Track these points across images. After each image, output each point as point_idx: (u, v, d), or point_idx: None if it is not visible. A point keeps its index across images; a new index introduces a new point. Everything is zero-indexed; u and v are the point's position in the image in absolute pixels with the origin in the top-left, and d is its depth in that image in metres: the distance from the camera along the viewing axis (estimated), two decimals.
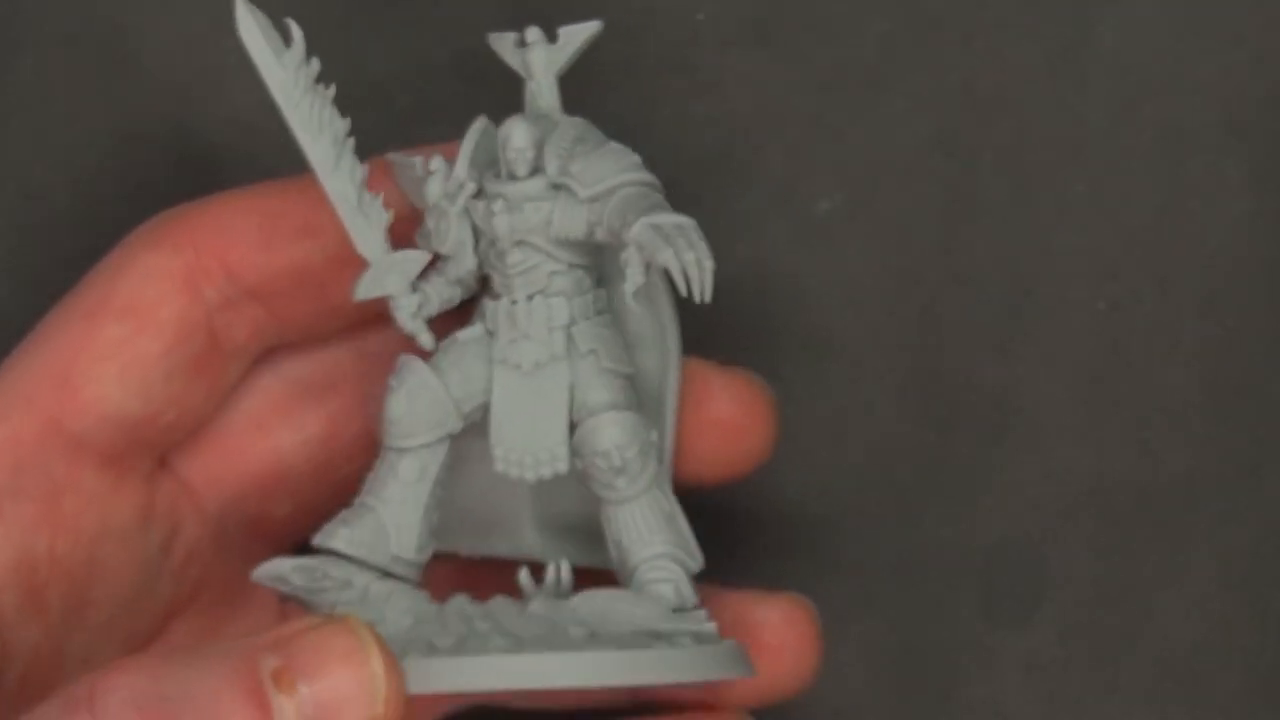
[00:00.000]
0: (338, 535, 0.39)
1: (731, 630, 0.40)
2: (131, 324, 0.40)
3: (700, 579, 0.39)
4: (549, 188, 0.38)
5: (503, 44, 0.40)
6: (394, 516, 0.39)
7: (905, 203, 0.47)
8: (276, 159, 0.46)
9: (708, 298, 0.36)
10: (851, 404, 0.49)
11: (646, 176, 0.38)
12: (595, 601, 0.38)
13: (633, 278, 0.37)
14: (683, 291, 0.36)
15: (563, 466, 0.39)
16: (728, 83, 0.47)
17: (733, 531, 0.48)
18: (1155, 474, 0.49)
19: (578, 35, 0.40)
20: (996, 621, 0.50)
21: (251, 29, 0.38)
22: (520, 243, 0.38)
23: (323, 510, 0.43)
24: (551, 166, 0.38)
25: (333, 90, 0.39)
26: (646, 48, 0.46)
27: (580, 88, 0.46)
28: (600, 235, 0.38)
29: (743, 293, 0.48)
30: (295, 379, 0.43)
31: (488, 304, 0.39)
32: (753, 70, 0.47)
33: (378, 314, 0.40)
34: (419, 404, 0.39)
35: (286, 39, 0.38)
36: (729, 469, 0.43)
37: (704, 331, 0.41)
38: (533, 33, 0.40)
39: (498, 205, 0.38)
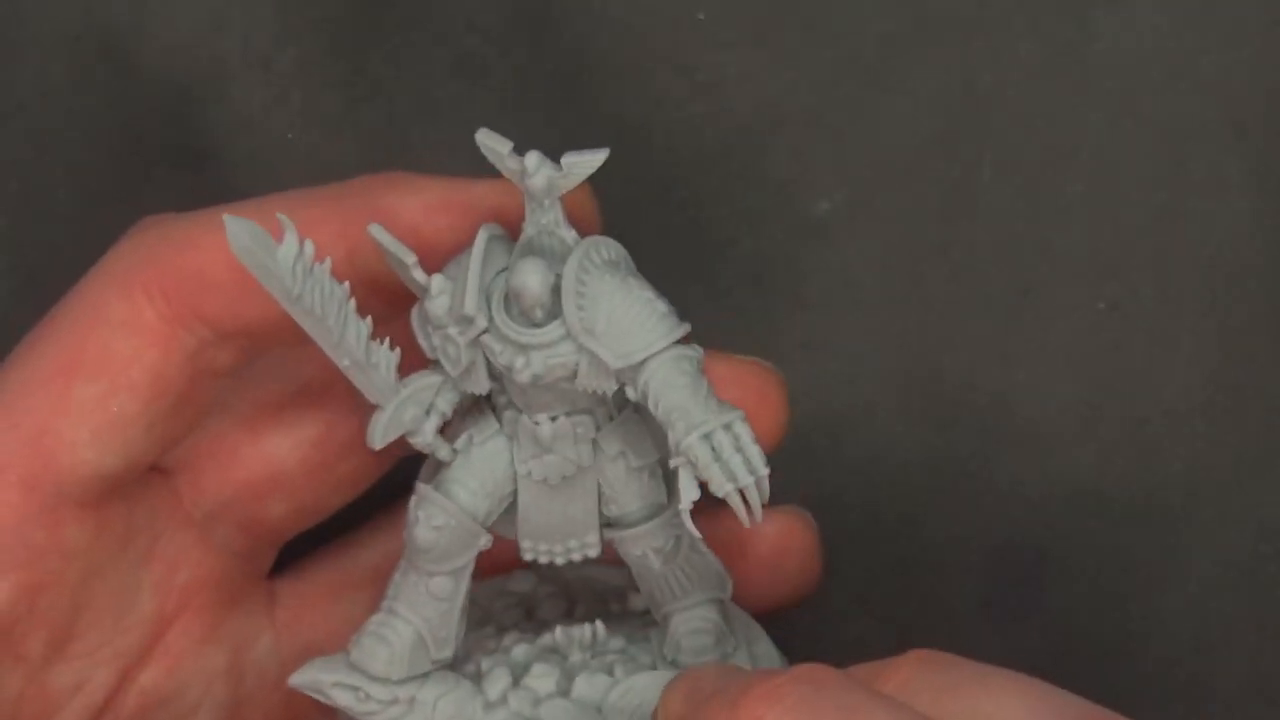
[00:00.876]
0: (377, 657, 0.38)
1: (730, 547, 0.40)
2: (105, 383, 0.38)
3: None
4: (570, 337, 0.36)
5: (496, 152, 0.36)
6: (432, 630, 0.38)
7: (905, 203, 0.47)
8: (277, 157, 0.46)
9: (759, 519, 0.35)
10: (851, 404, 0.49)
11: (674, 331, 0.35)
12: (638, 688, 0.38)
13: (687, 493, 0.35)
14: (741, 517, 0.34)
15: (594, 552, 0.38)
16: (728, 82, 0.47)
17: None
18: (1155, 474, 0.49)
19: (584, 167, 0.36)
20: (996, 622, 0.50)
21: (241, 238, 0.34)
22: (541, 386, 0.36)
23: (318, 508, 0.43)
24: (572, 320, 0.35)
25: (328, 263, 0.35)
26: (647, 47, 0.46)
27: (581, 88, 0.46)
28: (633, 396, 0.36)
29: (743, 292, 0.48)
30: (288, 379, 0.42)
31: (504, 411, 0.37)
32: (753, 70, 0.46)
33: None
34: (445, 535, 0.37)
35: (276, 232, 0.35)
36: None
37: (704, 332, 0.41)
38: (533, 159, 0.36)
39: (519, 363, 0.35)
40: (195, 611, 0.42)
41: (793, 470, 0.48)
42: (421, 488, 0.37)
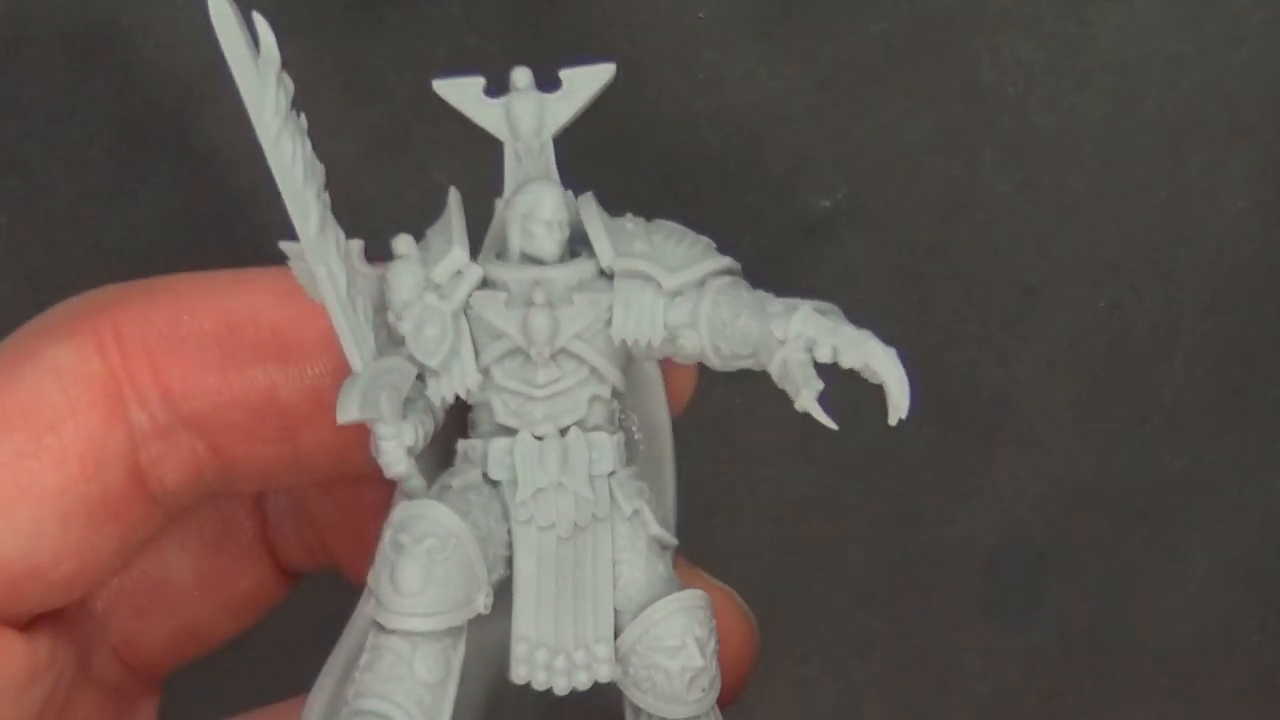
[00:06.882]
0: None
1: None
2: (22, 440, 0.28)
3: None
4: (599, 275, 0.28)
5: (462, 93, 0.29)
6: None
7: (906, 201, 0.47)
8: None
9: (905, 387, 0.28)
10: (851, 404, 0.49)
11: (730, 261, 0.29)
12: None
13: (811, 382, 0.28)
14: (897, 411, 0.28)
15: (606, 672, 0.28)
16: (728, 81, 0.47)
17: (733, 531, 0.48)
18: (1155, 474, 0.49)
19: (588, 82, 0.29)
20: (996, 621, 0.50)
21: (227, 17, 0.26)
22: (561, 352, 0.28)
23: (206, 634, 0.34)
24: (603, 245, 0.28)
25: (304, 121, 0.27)
26: (647, 46, 0.46)
27: None
28: (690, 342, 0.28)
29: None
30: None
31: (477, 444, 0.29)
32: (753, 68, 0.47)
33: (361, 470, 0.29)
34: (442, 570, 0.27)
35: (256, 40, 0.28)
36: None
37: None
38: (522, 76, 0.29)
39: (538, 296, 0.28)
40: None
41: (793, 470, 0.48)
42: (407, 504, 0.28)
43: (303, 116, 0.27)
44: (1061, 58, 0.47)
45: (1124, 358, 0.49)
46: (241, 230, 0.47)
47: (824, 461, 0.49)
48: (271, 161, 0.26)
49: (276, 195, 0.47)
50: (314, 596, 0.35)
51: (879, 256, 0.48)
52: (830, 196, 0.47)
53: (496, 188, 0.29)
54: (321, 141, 0.48)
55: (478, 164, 0.47)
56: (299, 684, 0.30)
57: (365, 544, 0.30)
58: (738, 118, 0.47)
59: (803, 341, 0.28)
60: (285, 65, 0.47)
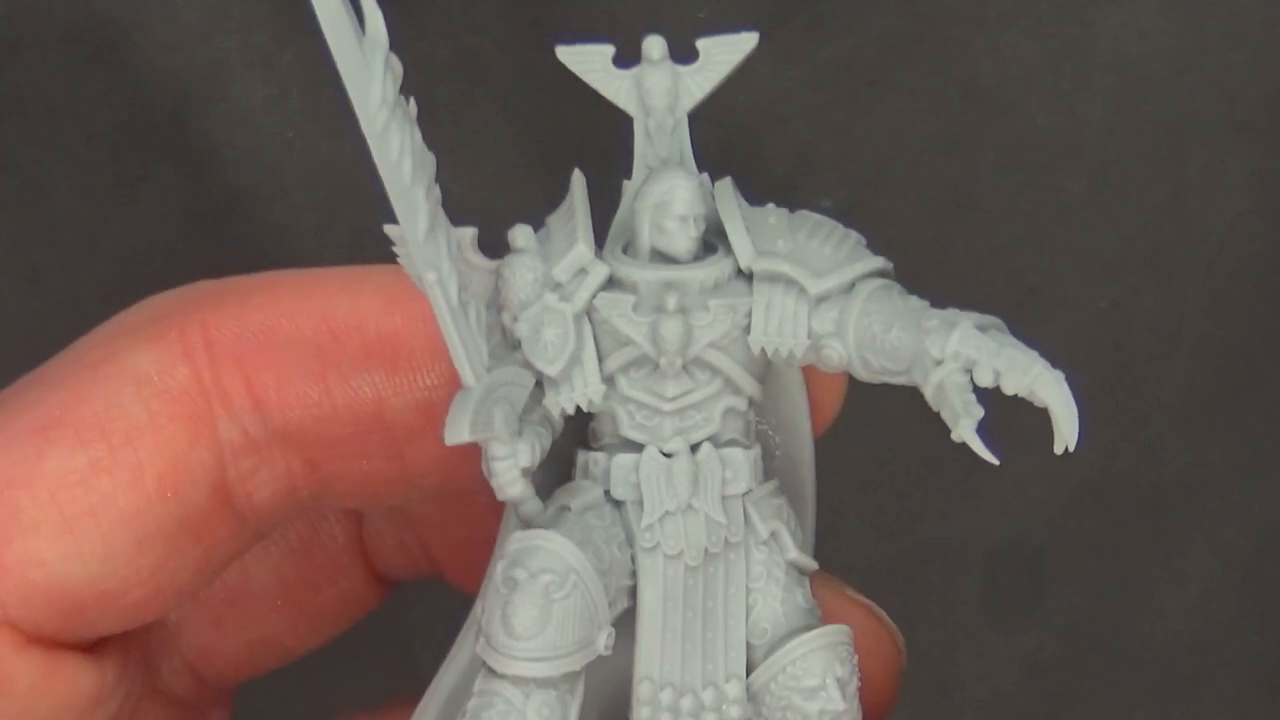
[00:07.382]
0: None
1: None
2: (97, 454, 0.26)
3: None
4: (738, 275, 0.26)
5: (588, 61, 0.27)
6: None
7: (906, 201, 0.47)
8: (277, 157, 0.46)
9: (1074, 419, 0.25)
10: (851, 404, 0.49)
11: (882, 262, 0.27)
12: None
13: (970, 410, 0.26)
14: (1064, 440, 0.25)
15: (736, 713, 0.26)
16: (728, 81, 0.47)
17: None
18: (1155, 474, 0.49)
19: (729, 53, 0.28)
20: (996, 621, 0.50)
21: None
22: (694, 361, 0.26)
23: (285, 646, 0.32)
24: (743, 245, 0.26)
25: (413, 107, 0.25)
26: None
27: (582, 88, 0.46)
28: (836, 353, 0.26)
29: None
30: None
31: (599, 458, 0.26)
32: (754, 69, 0.46)
33: (472, 488, 0.26)
34: (560, 609, 0.25)
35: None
36: None
37: None
38: (655, 46, 0.27)
39: (671, 301, 0.25)
40: None
41: None
42: (522, 534, 0.25)
43: (412, 102, 0.24)
44: (1061, 58, 0.47)
45: (1124, 358, 0.49)
46: (241, 230, 0.47)
47: (824, 461, 0.49)
48: (376, 156, 0.24)
49: (277, 194, 0.47)
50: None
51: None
52: (830, 196, 0.47)
53: (614, 170, 0.28)
54: (321, 141, 0.49)
55: (478, 164, 0.47)
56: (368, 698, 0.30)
57: (473, 550, 0.28)
58: (738, 118, 0.47)
59: (961, 362, 0.26)
60: (284, 67, 0.48)
